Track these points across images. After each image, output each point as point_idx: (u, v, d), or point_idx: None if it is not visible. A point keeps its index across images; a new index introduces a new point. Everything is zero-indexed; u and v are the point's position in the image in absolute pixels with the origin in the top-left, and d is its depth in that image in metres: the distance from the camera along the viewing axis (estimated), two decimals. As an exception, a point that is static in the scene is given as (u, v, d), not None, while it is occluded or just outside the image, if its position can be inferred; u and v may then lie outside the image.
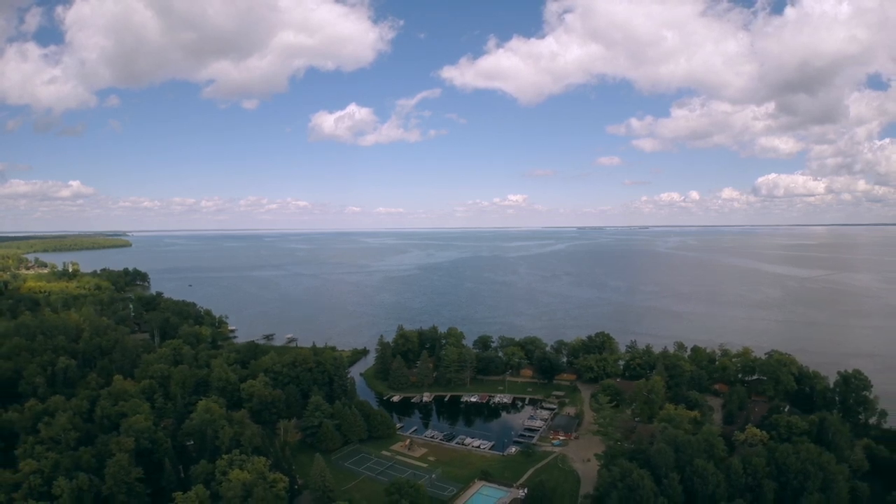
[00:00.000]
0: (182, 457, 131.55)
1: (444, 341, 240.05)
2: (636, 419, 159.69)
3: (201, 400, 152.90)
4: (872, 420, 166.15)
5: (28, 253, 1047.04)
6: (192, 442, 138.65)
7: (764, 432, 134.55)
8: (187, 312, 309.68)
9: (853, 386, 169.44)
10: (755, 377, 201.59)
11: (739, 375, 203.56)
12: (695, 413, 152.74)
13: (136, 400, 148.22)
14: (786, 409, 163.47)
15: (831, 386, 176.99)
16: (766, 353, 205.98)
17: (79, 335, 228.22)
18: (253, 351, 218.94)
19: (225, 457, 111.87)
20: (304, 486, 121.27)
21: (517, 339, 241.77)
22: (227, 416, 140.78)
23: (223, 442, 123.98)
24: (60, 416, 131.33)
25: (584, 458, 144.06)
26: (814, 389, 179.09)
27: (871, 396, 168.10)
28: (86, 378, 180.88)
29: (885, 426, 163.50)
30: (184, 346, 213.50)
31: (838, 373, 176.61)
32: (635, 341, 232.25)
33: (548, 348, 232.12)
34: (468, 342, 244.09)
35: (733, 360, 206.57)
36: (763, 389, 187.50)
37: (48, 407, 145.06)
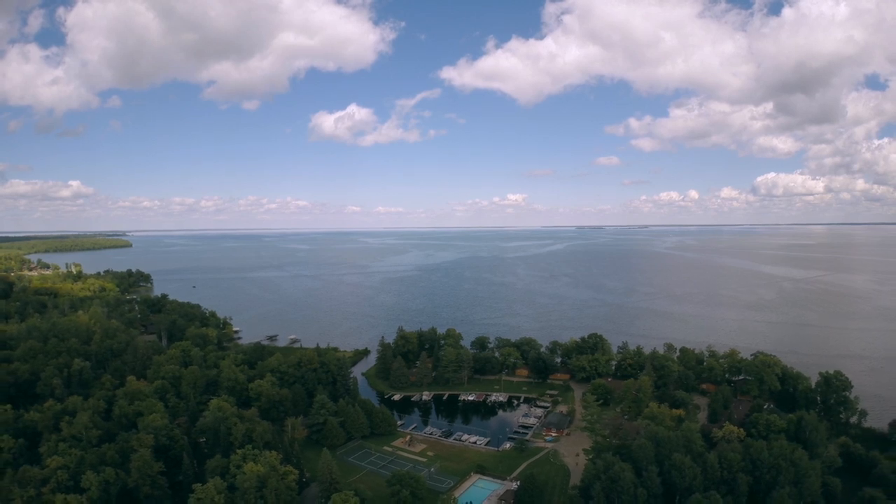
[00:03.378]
0: (196, 452, 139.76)
1: (442, 342, 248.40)
2: (625, 417, 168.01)
3: (212, 399, 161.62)
4: (853, 419, 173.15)
5: (29, 254, 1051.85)
6: (204, 439, 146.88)
7: (741, 429, 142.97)
8: (193, 314, 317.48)
9: (834, 386, 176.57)
10: (741, 377, 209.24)
11: (726, 376, 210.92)
12: (679, 411, 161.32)
13: (151, 400, 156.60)
14: (766, 408, 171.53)
15: (813, 386, 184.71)
16: (751, 355, 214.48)
17: (90, 337, 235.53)
18: (259, 352, 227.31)
19: (239, 451, 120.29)
20: (311, 478, 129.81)
21: (513, 339, 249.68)
22: (238, 413, 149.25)
23: (236, 438, 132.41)
24: (82, 415, 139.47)
25: (574, 453, 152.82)
26: (796, 389, 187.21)
27: (852, 397, 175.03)
28: (100, 379, 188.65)
29: (866, 425, 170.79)
30: (192, 348, 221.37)
31: (820, 374, 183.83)
32: (627, 342, 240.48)
33: (542, 349, 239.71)
34: (466, 343, 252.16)
35: (720, 360, 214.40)
36: (748, 389, 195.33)
37: (66, 407, 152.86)
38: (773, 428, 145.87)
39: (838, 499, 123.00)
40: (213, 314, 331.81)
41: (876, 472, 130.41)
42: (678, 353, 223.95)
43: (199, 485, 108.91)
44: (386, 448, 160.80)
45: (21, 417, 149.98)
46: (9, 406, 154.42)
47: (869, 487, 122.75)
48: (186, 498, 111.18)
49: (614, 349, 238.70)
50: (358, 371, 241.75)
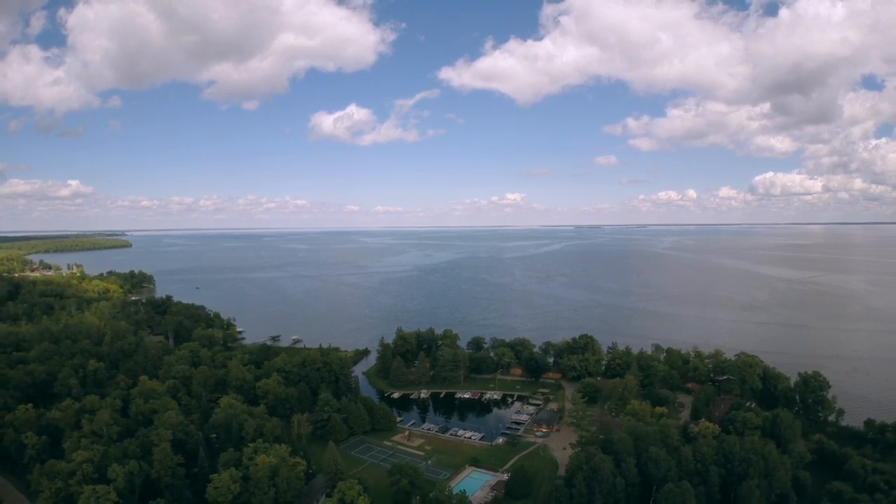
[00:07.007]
0: (208, 447, 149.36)
1: (440, 342, 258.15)
2: (612, 414, 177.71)
3: (222, 397, 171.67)
4: (830, 417, 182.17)
5: (30, 254, 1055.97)
6: (215, 434, 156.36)
7: (715, 425, 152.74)
8: (198, 316, 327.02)
9: (812, 386, 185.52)
10: (725, 377, 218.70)
11: (711, 375, 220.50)
12: (663, 409, 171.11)
13: (165, 398, 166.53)
14: (745, 406, 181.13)
15: (792, 386, 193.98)
16: (735, 355, 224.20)
17: (101, 339, 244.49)
18: (265, 352, 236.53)
19: (251, 445, 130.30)
20: (316, 470, 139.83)
21: (508, 340, 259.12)
22: (248, 410, 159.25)
23: (247, 432, 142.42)
24: (102, 413, 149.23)
25: (562, 447, 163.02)
26: (777, 389, 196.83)
27: (829, 396, 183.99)
28: (114, 379, 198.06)
29: (843, 423, 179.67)
30: (200, 349, 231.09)
31: (798, 374, 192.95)
32: (616, 343, 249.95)
33: (536, 349, 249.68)
34: (462, 343, 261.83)
35: (705, 361, 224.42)
36: (731, 388, 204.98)
37: (85, 405, 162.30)
38: (749, 425, 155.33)
39: (808, 492, 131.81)
40: (217, 315, 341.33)
41: (847, 468, 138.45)
42: (665, 354, 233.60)
43: (217, 475, 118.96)
44: (386, 443, 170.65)
45: (43, 416, 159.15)
46: (30, 405, 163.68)
47: (838, 482, 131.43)
48: (202, 488, 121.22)
49: (605, 349, 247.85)
50: (359, 370, 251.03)
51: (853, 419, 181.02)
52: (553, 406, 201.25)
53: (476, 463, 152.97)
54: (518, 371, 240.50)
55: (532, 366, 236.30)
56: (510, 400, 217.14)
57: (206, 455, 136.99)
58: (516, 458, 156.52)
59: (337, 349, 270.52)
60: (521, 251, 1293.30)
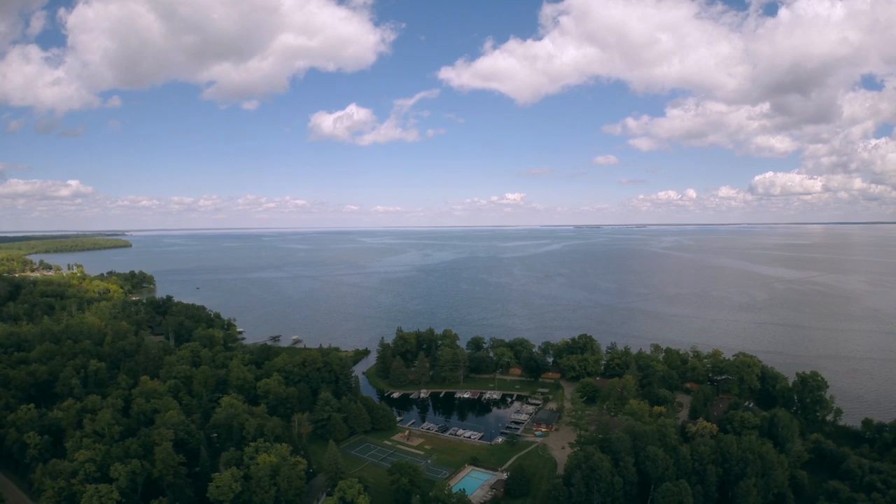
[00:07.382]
0: (209, 446, 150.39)
1: (439, 342, 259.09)
2: (611, 414, 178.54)
3: (223, 397, 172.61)
4: (829, 417, 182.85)
5: (30, 254, 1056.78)
6: (216, 434, 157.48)
7: (713, 425, 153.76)
8: (199, 316, 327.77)
9: (810, 386, 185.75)
10: (723, 377, 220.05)
11: (710, 375, 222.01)
12: (661, 408, 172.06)
13: (167, 398, 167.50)
14: (743, 406, 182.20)
15: (790, 386, 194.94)
16: (733, 355, 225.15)
17: (102, 339, 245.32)
18: (266, 352, 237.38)
19: (252, 444, 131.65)
20: (316, 470, 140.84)
21: (507, 340, 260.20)
22: (249, 410, 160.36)
23: (248, 432, 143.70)
24: (104, 413, 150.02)
25: (561, 446, 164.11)
26: (775, 389, 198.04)
27: (827, 396, 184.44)
28: (115, 379, 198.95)
29: (841, 423, 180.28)
30: (201, 349, 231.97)
31: (797, 374, 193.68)
32: (615, 343, 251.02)
33: (535, 349, 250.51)
34: (462, 343, 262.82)
35: (703, 360, 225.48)
36: (729, 388, 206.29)
37: (86, 405, 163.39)
38: (746, 424, 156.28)
39: (805, 491, 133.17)
40: (217, 315, 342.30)
41: (844, 467, 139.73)
42: (663, 354, 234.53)
43: (218, 474, 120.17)
44: (386, 442, 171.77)
45: (45, 416, 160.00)
46: (32, 405, 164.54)
47: (835, 481, 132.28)
48: (203, 487, 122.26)
49: (604, 349, 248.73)
50: (359, 370, 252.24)
51: (851, 419, 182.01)
52: (552, 406, 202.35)
53: (475, 462, 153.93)
54: (517, 371, 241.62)
55: (531, 366, 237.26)
56: (509, 400, 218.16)
57: (207, 454, 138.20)
58: (515, 457, 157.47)
59: (337, 349, 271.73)
60: (520, 251, 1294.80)
